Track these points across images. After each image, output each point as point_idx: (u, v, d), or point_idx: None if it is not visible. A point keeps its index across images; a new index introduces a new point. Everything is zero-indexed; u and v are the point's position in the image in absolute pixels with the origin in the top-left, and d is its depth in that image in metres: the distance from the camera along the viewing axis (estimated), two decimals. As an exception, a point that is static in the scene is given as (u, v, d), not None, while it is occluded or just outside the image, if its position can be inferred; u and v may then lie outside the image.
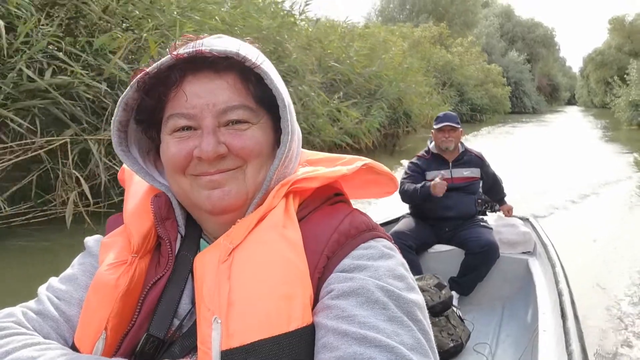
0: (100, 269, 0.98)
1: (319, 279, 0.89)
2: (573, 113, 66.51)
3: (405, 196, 4.37)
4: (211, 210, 0.97)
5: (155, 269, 1.00)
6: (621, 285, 5.47)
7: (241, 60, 0.94)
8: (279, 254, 0.88)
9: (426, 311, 0.88)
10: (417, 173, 4.47)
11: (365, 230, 0.96)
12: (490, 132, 28.48)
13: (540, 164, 15.44)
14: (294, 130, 1.00)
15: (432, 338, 0.84)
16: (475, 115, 38.49)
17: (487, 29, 68.62)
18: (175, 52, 0.93)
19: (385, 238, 0.98)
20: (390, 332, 0.78)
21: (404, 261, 0.95)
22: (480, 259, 4.12)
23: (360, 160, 1.07)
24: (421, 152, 4.62)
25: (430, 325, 0.86)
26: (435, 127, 4.47)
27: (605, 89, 44.94)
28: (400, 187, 4.36)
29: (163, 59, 0.94)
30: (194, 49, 0.93)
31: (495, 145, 20.64)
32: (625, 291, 5.34)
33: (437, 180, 4.14)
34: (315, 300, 0.87)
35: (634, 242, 7.07)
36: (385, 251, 0.93)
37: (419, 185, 4.25)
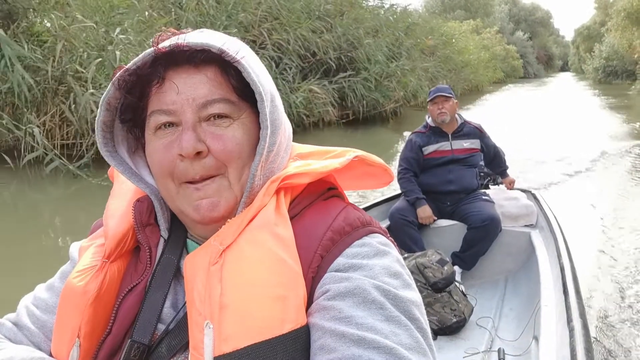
0: (70, 275, 0.69)
1: (312, 279, 0.61)
2: (565, 77, 64.96)
3: (400, 187, 3.30)
4: (200, 220, 0.66)
5: (132, 276, 0.69)
6: (624, 260, 4.08)
7: (219, 53, 0.63)
8: (271, 254, 0.60)
9: (423, 307, 0.62)
10: (413, 160, 3.27)
11: (360, 227, 0.65)
12: (513, 86, 38.88)
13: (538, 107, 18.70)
14: (279, 123, 0.67)
15: (430, 335, 0.59)
16: (503, 79, 45.02)
17: (500, 14, 67.35)
18: (157, 46, 0.64)
19: (380, 233, 0.67)
20: (388, 333, 0.55)
21: (400, 257, 0.66)
22: (482, 233, 2.99)
23: (352, 152, 0.72)
24: (419, 128, 3.38)
25: (427, 321, 0.61)
26: (428, 100, 3.27)
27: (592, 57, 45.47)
28: (398, 175, 3.27)
29: (141, 55, 0.64)
30: (173, 44, 0.63)
31: (515, 90, 31.65)
32: (629, 265, 3.97)
33: (427, 214, 3.13)
34: (310, 300, 0.61)
35: (636, 214, 5.39)
36: (380, 248, 0.64)
37: (411, 196, 3.18)
